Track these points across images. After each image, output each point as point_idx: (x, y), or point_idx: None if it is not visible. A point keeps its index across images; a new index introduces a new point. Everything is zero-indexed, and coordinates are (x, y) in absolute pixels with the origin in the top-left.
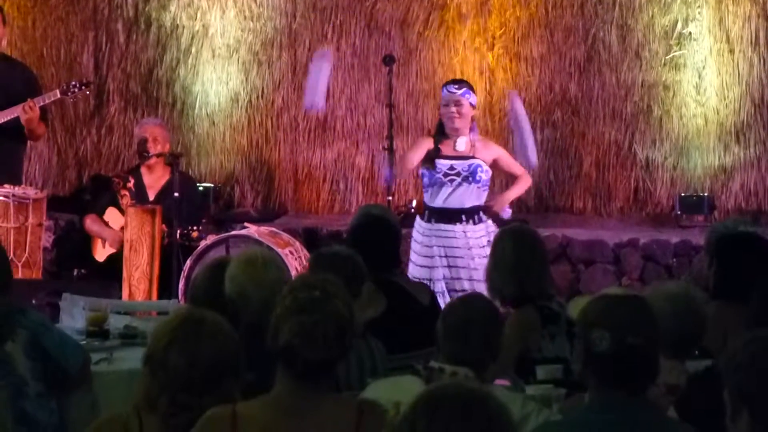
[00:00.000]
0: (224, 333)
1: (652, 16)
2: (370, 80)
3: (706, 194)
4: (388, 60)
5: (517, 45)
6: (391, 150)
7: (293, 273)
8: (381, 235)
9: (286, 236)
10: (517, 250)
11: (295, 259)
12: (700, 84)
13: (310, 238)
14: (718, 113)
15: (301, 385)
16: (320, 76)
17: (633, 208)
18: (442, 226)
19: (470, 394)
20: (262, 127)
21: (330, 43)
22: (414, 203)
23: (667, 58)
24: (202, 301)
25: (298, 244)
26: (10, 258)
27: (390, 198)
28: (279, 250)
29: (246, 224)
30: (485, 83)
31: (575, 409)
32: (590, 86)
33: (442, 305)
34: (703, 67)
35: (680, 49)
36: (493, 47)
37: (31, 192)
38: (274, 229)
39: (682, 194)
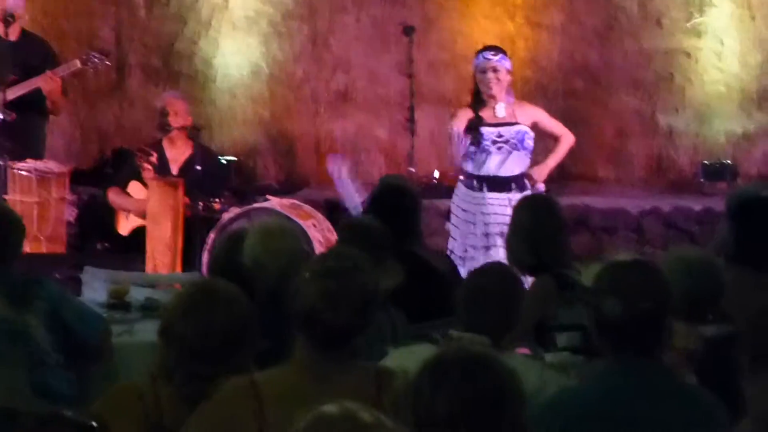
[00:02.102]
0: (238, 302)
1: None
2: (390, 51)
3: (728, 161)
4: (408, 30)
5: (537, 14)
6: (412, 120)
7: (316, 245)
8: (401, 206)
9: (308, 208)
10: (535, 217)
11: (318, 231)
12: (721, 51)
13: (331, 210)
14: (740, 80)
15: (322, 352)
16: (346, 186)
17: (655, 176)
18: (494, 194)
19: (475, 358)
20: (282, 100)
21: (349, 13)
22: (437, 174)
23: (687, 25)
24: (220, 272)
25: (320, 216)
26: (33, 232)
27: (411, 169)
28: (301, 222)
29: (268, 197)
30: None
31: (592, 376)
32: (611, 54)
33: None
34: (724, 34)
35: (701, 16)
36: (513, 16)
37: (53, 166)
38: (295, 201)
39: (705, 162)
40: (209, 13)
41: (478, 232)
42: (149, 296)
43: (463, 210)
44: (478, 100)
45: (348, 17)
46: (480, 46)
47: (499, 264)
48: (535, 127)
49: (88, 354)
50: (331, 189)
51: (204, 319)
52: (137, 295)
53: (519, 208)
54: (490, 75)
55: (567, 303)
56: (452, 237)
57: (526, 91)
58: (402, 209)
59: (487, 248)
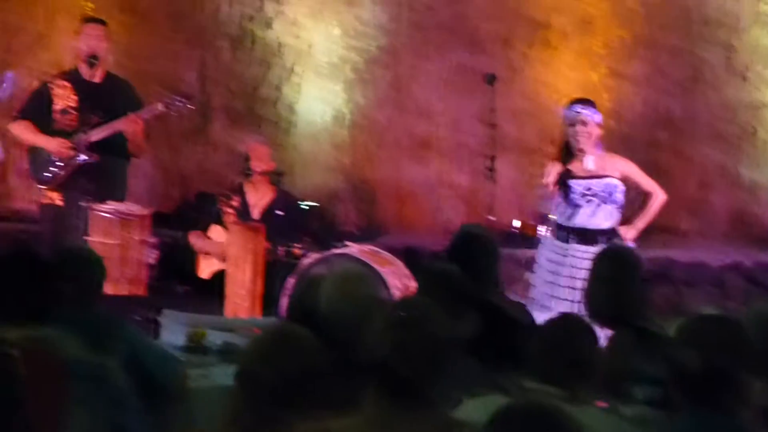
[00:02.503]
0: (312, 348)
1: (758, 36)
2: (472, 99)
3: None
4: (490, 79)
5: (620, 64)
6: (492, 168)
7: (394, 292)
8: (480, 254)
9: (387, 255)
10: (616, 269)
11: (396, 278)
12: None
13: (411, 257)
14: None
15: (393, 401)
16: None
17: (737, 230)
18: (581, 247)
19: (543, 411)
20: (364, 146)
21: (432, 61)
22: (517, 223)
23: None
24: (298, 317)
25: (399, 262)
26: (114, 274)
27: (491, 218)
28: (380, 269)
29: (347, 242)
30: None
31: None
32: (694, 107)
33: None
34: None
35: None
36: (597, 67)
37: (135, 209)
38: (375, 247)
39: None
40: (293, 58)
41: (563, 284)
42: (227, 340)
43: (549, 260)
44: (568, 152)
45: (431, 64)
46: (563, 97)
47: (575, 315)
48: (624, 180)
49: (165, 397)
50: (410, 236)
51: (278, 363)
52: (215, 339)
53: (599, 260)
54: (580, 128)
55: (646, 356)
56: (533, 285)
57: (609, 142)
58: (481, 258)
59: (570, 300)
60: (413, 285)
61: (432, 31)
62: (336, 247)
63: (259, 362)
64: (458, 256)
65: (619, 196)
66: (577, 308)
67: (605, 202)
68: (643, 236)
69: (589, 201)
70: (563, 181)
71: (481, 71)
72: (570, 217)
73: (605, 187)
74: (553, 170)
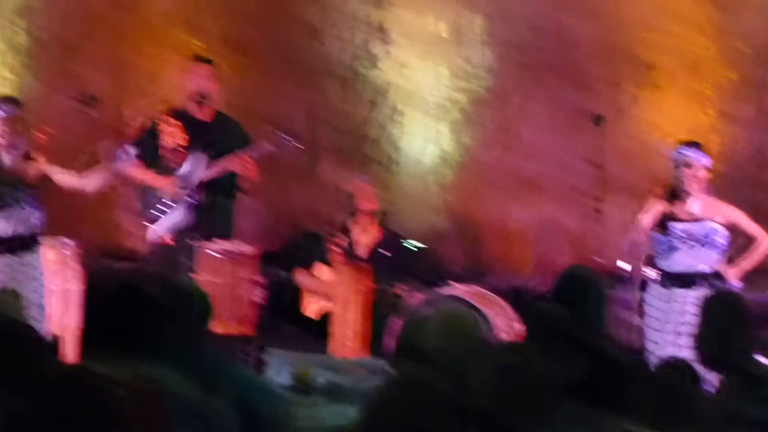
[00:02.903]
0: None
1: None
2: (580, 140)
3: None
4: (598, 120)
5: (729, 106)
6: (600, 210)
7: (500, 333)
8: (586, 297)
9: (492, 296)
10: (723, 314)
11: (502, 319)
12: None
13: (517, 298)
14: None
15: None
16: None
17: None
18: (682, 291)
19: None
20: (470, 186)
21: (539, 101)
22: (624, 266)
23: None
24: (404, 358)
25: (504, 304)
26: (222, 313)
27: (598, 259)
28: (486, 310)
29: (453, 283)
30: None
31: None
32: None
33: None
34: None
35: None
36: (706, 108)
37: (243, 247)
38: (480, 288)
39: None
40: (400, 98)
41: (668, 329)
42: (333, 380)
43: (651, 305)
44: (673, 193)
45: (539, 105)
46: (672, 138)
47: (682, 360)
48: (730, 227)
49: None
50: (516, 277)
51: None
52: (321, 378)
53: (707, 304)
54: (687, 171)
55: (755, 401)
56: (639, 329)
57: (717, 184)
58: (587, 300)
59: (676, 345)
60: (519, 327)
61: (540, 72)
62: (441, 287)
63: (378, 411)
64: (564, 298)
65: (720, 241)
66: (684, 352)
67: (703, 246)
68: (750, 279)
69: (686, 244)
70: (663, 223)
71: (589, 112)
72: (668, 260)
73: (705, 231)
74: (653, 209)
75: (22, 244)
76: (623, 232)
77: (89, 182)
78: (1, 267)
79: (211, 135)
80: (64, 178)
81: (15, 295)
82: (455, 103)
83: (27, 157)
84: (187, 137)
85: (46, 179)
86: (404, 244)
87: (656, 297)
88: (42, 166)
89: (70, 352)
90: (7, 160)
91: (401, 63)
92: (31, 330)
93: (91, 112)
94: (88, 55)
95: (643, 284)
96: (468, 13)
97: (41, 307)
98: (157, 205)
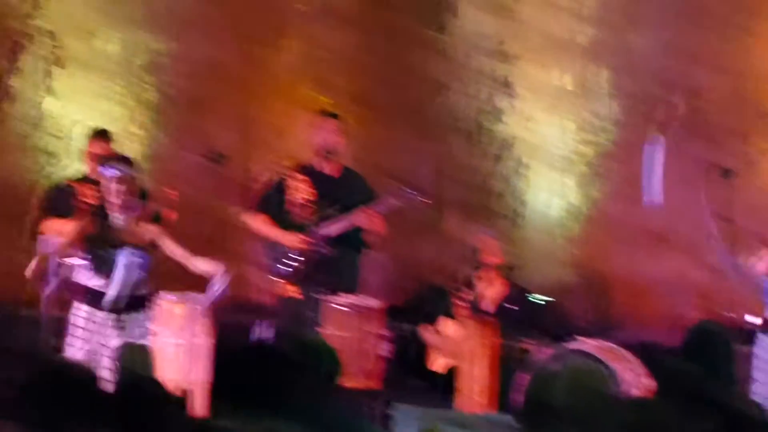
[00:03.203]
0: None
1: None
2: (708, 193)
3: None
4: (727, 173)
5: None
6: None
7: (629, 389)
8: (717, 352)
9: (621, 351)
10: None
11: (631, 375)
12: None
13: (645, 353)
14: None
15: None
16: (653, 167)
17: None
18: None
19: None
20: (597, 240)
21: (667, 154)
22: (759, 321)
23: None
24: (533, 415)
25: (634, 359)
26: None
27: (729, 314)
28: (614, 365)
29: (581, 338)
30: None
31: None
32: None
33: None
34: None
35: None
36: None
37: (370, 301)
38: (609, 343)
39: None
40: (526, 152)
41: None
42: None
43: (760, 357)
44: None
45: (666, 158)
46: None
47: None
48: None
49: None
50: (645, 332)
51: None
52: None
53: None
54: None
55: None
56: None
57: None
58: (718, 355)
59: None
60: (648, 382)
61: (667, 125)
62: (569, 342)
63: None
64: (694, 353)
65: None
66: None
67: None
68: None
69: None
70: None
71: (718, 165)
72: None
73: None
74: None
75: (130, 303)
76: (752, 286)
77: (197, 265)
78: (113, 325)
79: (338, 190)
80: (174, 250)
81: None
82: (581, 156)
83: (140, 219)
84: (314, 192)
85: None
86: (531, 298)
87: (764, 349)
88: (153, 235)
89: (198, 406)
90: (120, 220)
91: (526, 116)
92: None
93: (218, 168)
94: (215, 111)
95: (753, 335)
96: (594, 66)
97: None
98: (285, 260)
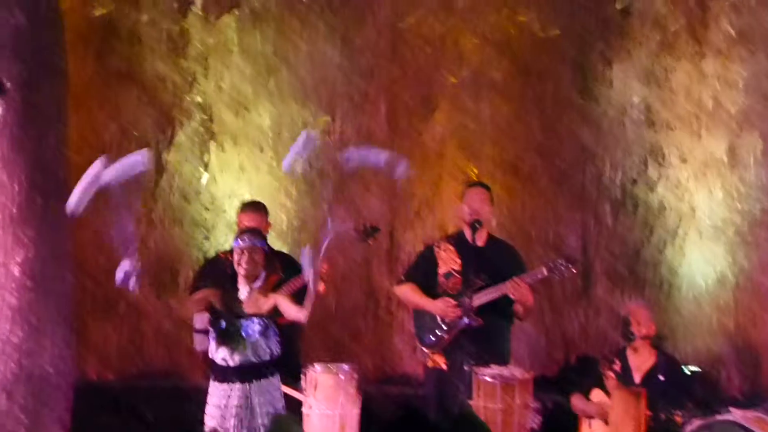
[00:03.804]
0: None
1: None
2: None
3: None
4: None
5: None
6: None
7: None
8: None
9: None
10: None
11: None
12: None
13: None
14: None
15: None
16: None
17: None
18: None
19: None
20: (748, 310)
21: None
22: None
23: None
24: None
25: None
26: None
27: None
28: None
29: (731, 409)
30: None
31: None
32: None
33: None
34: None
35: None
36: None
37: (518, 372)
38: (760, 414)
39: None
40: (676, 221)
41: None
42: None
43: None
44: None
45: None
46: None
47: None
48: None
49: None
50: None
51: None
52: None
53: None
54: None
55: None
56: None
57: None
58: None
59: None
60: None
61: None
62: (719, 413)
63: None
64: None
65: None
66: None
67: None
68: None
69: None
70: None
71: None
72: None
73: None
74: None
75: (254, 371)
76: None
77: (303, 314)
78: (240, 394)
79: (486, 259)
80: (294, 313)
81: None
82: (731, 224)
83: (265, 289)
84: (461, 262)
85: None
86: (681, 368)
87: None
88: (274, 301)
89: None
90: (245, 291)
91: (676, 185)
92: None
93: (368, 241)
94: (365, 181)
95: None
96: (744, 133)
97: None
98: (434, 330)
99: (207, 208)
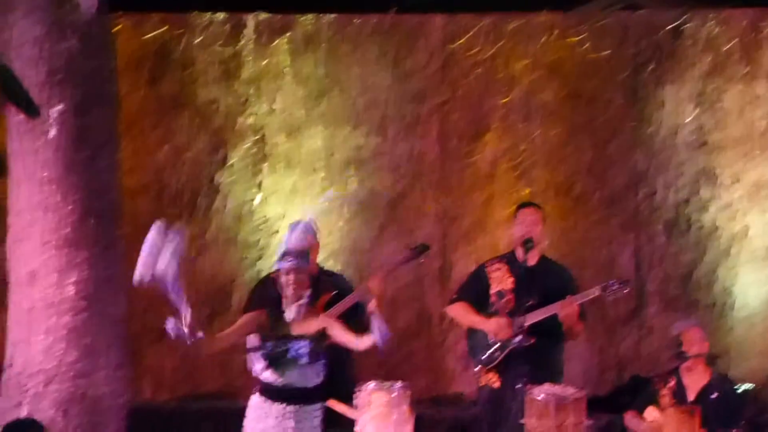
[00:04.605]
0: None
1: None
2: None
3: None
4: None
5: None
6: None
7: None
8: None
9: None
10: None
11: None
12: None
13: None
14: None
15: None
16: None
17: None
18: None
19: None
20: None
21: None
22: None
23: None
24: None
25: None
26: None
27: None
28: None
29: None
30: None
31: None
32: None
33: None
34: None
35: None
36: None
37: (570, 391)
38: None
39: None
40: (729, 242)
41: None
42: None
43: None
44: None
45: None
46: None
47: None
48: None
49: None
50: None
51: None
52: None
53: None
54: None
55: None
56: None
57: None
58: None
59: None
60: None
61: None
62: None
63: None
64: None
65: None
66: None
67: None
68: None
69: None
70: None
71: None
72: None
73: None
74: None
75: (299, 395)
76: None
77: (362, 343)
78: (278, 415)
79: (538, 279)
80: (342, 336)
81: None
82: None
83: (312, 310)
84: (513, 281)
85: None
86: (734, 386)
87: None
88: (322, 323)
89: None
90: (292, 313)
91: (729, 205)
92: None
93: (420, 259)
94: (416, 203)
95: None
96: None
97: None
98: (486, 350)
99: (260, 229)
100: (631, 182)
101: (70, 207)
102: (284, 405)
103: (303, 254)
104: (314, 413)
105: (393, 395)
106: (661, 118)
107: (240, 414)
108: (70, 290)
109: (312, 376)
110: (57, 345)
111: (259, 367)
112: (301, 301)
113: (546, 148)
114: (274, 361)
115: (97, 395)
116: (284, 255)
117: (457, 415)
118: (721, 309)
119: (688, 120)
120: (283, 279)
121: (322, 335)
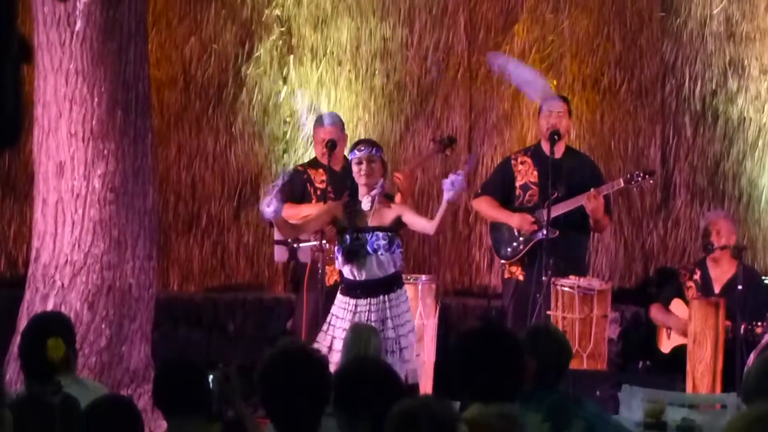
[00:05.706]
0: None
1: None
2: None
3: None
4: None
5: None
6: None
7: None
8: None
9: None
10: None
11: None
12: None
13: None
14: None
15: None
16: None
17: None
18: None
19: None
20: None
21: None
22: None
23: None
24: (754, 396)
25: None
26: (575, 349)
27: None
28: None
29: None
30: None
31: None
32: None
33: None
34: None
35: None
36: None
37: (596, 283)
38: None
39: None
40: (756, 133)
41: None
42: (686, 416)
43: None
44: None
45: None
46: None
47: None
48: None
49: None
50: None
51: None
52: (674, 415)
53: None
54: None
55: None
56: None
57: None
58: None
59: None
60: None
61: None
62: None
63: None
64: None
65: None
66: None
67: None
68: None
69: None
70: None
71: None
72: None
73: None
74: None
75: (381, 285)
76: None
77: (431, 226)
78: (361, 309)
79: (563, 172)
80: (417, 222)
81: (373, 332)
82: None
83: (384, 199)
84: (539, 174)
85: (400, 221)
86: (761, 279)
87: None
88: (396, 208)
89: (423, 386)
90: (367, 203)
91: (757, 97)
92: (383, 366)
93: (446, 152)
94: (443, 96)
95: None
96: None
97: (405, 345)
98: (511, 242)
99: (286, 122)
100: (658, 74)
101: (97, 99)
102: (368, 299)
103: (374, 142)
104: (401, 298)
105: (418, 288)
106: (689, 9)
107: (267, 305)
108: (98, 182)
109: (391, 266)
110: (84, 237)
111: (339, 261)
112: (374, 192)
113: (574, 40)
114: (353, 255)
115: (124, 287)
116: (356, 144)
117: (483, 307)
118: (748, 201)
119: (716, 10)
120: (356, 168)
121: (398, 223)
